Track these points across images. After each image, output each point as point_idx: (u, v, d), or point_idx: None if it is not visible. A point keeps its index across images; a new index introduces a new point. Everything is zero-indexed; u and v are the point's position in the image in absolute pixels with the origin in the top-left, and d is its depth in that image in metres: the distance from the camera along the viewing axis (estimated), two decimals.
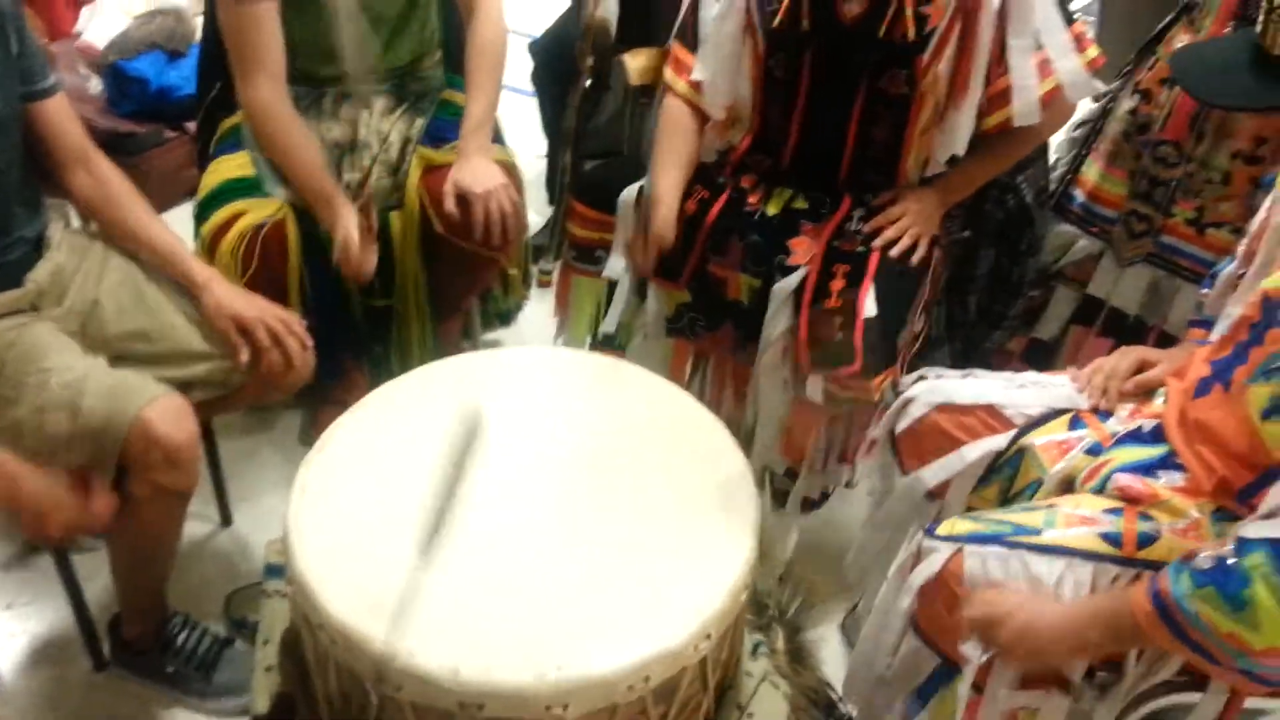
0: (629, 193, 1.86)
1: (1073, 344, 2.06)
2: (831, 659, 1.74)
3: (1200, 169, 1.80)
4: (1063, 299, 2.04)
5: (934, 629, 1.32)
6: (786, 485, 1.91)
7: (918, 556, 1.33)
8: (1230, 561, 1.01)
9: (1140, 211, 1.88)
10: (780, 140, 1.80)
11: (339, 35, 1.89)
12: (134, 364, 1.55)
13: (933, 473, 1.50)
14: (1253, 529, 1.02)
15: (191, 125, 2.63)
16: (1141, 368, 1.44)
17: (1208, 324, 1.39)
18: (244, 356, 1.59)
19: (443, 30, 2.11)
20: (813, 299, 1.67)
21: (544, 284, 2.58)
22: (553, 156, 2.66)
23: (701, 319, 1.86)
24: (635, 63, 2.49)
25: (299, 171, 1.85)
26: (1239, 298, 1.27)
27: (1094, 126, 1.95)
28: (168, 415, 1.45)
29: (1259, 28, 1.17)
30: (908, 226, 1.72)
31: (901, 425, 1.55)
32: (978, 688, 1.25)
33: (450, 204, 1.85)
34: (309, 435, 2.19)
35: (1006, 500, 1.46)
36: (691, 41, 1.82)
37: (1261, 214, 1.31)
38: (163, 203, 2.70)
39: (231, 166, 1.91)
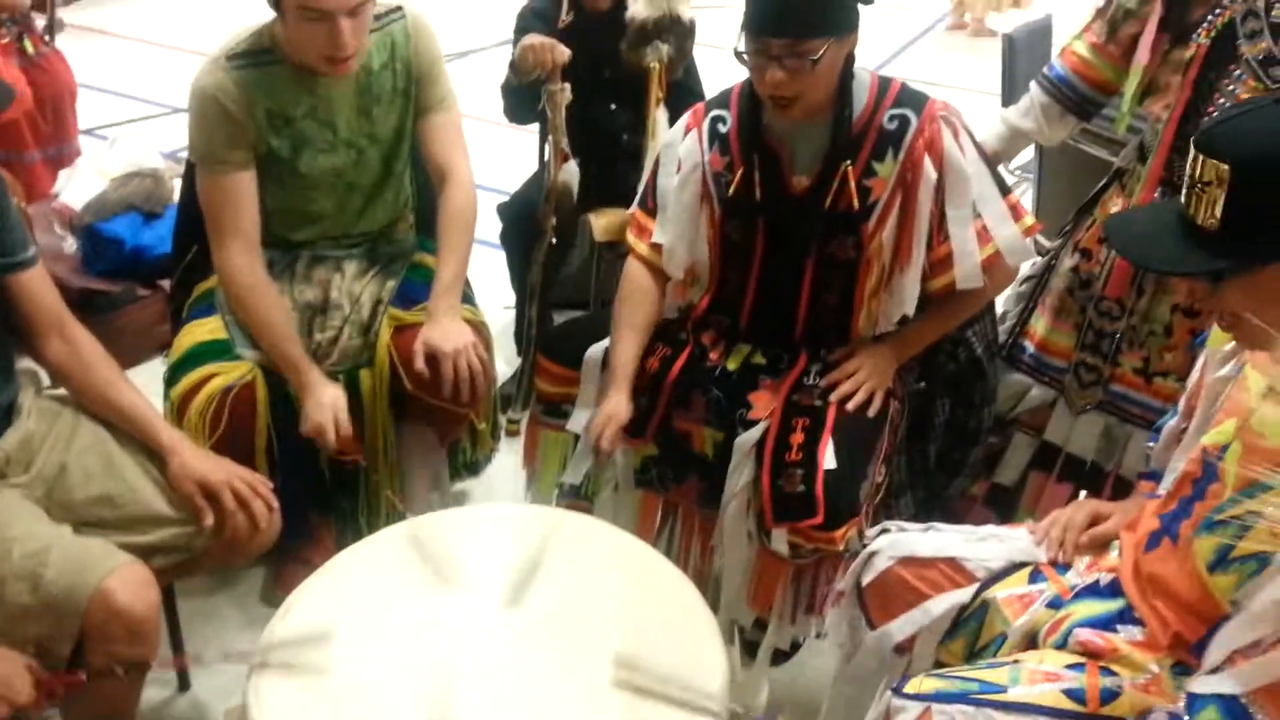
0: (595, 351, 1.91)
1: (1033, 489, 2.10)
2: None
3: (1143, 322, 1.88)
4: (1020, 445, 2.08)
5: None
6: (757, 637, 1.90)
7: (887, 715, 1.33)
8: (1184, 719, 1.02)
9: (1088, 362, 1.95)
10: (738, 300, 1.88)
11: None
12: (99, 529, 1.55)
13: (899, 627, 1.50)
14: (1199, 684, 1.04)
15: (165, 282, 2.67)
16: (1095, 520, 1.47)
17: (1156, 476, 1.43)
18: (208, 520, 1.58)
19: (415, 195, 2.19)
20: (774, 452, 1.71)
21: (512, 433, 2.60)
22: (520, 309, 2.73)
23: (668, 472, 1.89)
24: (600, 221, 2.60)
25: (270, 338, 1.89)
26: (1182, 452, 1.31)
27: (1039, 281, 2.04)
28: (129, 586, 1.44)
29: (1183, 198, 1.24)
30: (863, 381, 1.77)
31: (867, 578, 1.56)
32: None
33: (420, 362, 1.88)
34: (272, 594, 2.15)
35: (973, 653, 1.46)
36: (651, 207, 1.91)
37: (1196, 373, 1.37)
38: (134, 359, 2.73)
39: (203, 331, 1.95)
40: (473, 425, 2.20)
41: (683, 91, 2.50)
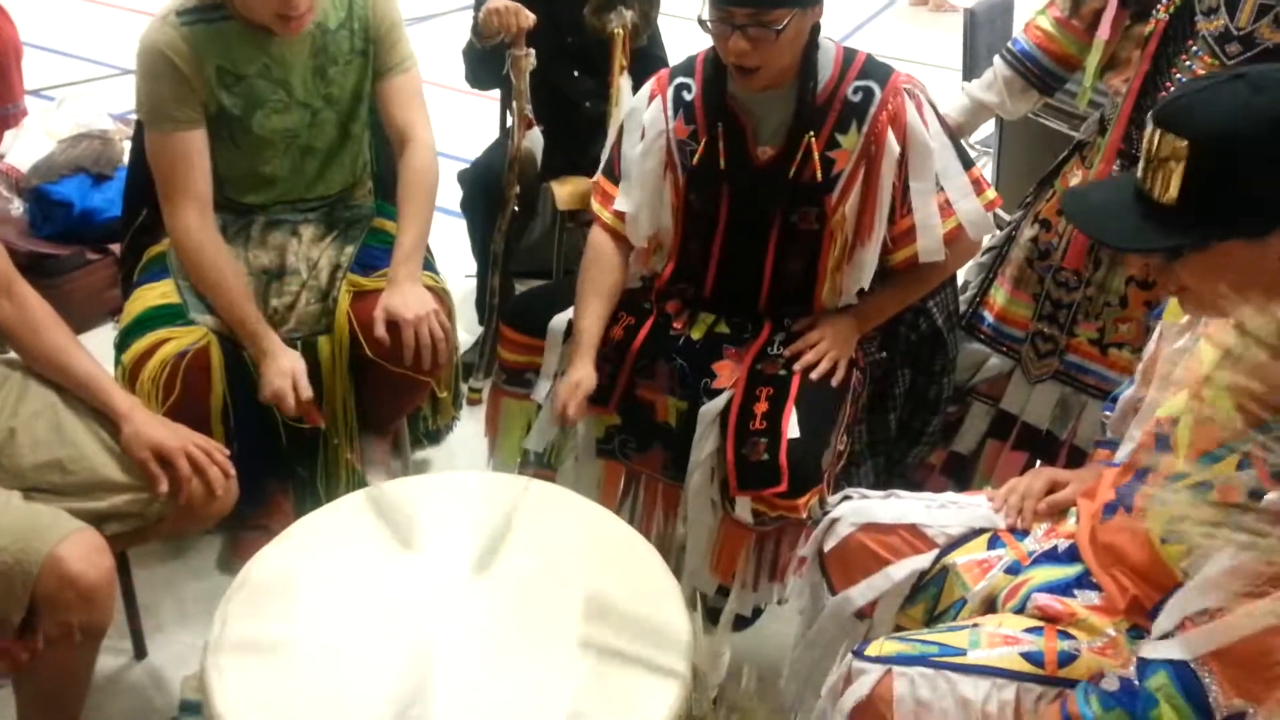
0: (559, 321, 1.90)
1: (989, 457, 2.13)
2: None
3: (1099, 293, 1.91)
4: (978, 414, 2.12)
5: None
6: (719, 604, 1.91)
7: (848, 678, 1.34)
8: (1136, 683, 1.04)
9: (1045, 332, 1.98)
10: (701, 270, 1.88)
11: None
12: (49, 496, 1.51)
13: (860, 592, 1.52)
14: (1150, 649, 1.06)
15: (115, 246, 2.61)
16: (1053, 488, 1.49)
17: (1113, 445, 1.46)
18: (163, 487, 1.56)
19: (375, 160, 2.15)
20: (738, 421, 1.71)
21: (473, 401, 2.58)
22: (482, 278, 2.70)
23: (632, 441, 1.89)
24: (562, 190, 2.57)
25: (224, 299, 1.85)
26: (1138, 423, 1.33)
27: (999, 252, 2.06)
28: (82, 552, 1.41)
29: (1139, 173, 1.25)
30: (826, 350, 1.78)
31: (829, 545, 1.58)
32: None
33: (380, 329, 1.86)
34: (229, 562, 2.13)
35: (933, 618, 1.48)
36: (616, 175, 1.90)
37: (1152, 345, 1.39)
38: (85, 324, 2.66)
39: (155, 295, 1.90)
40: (434, 393, 2.18)
41: (647, 59, 2.48)
